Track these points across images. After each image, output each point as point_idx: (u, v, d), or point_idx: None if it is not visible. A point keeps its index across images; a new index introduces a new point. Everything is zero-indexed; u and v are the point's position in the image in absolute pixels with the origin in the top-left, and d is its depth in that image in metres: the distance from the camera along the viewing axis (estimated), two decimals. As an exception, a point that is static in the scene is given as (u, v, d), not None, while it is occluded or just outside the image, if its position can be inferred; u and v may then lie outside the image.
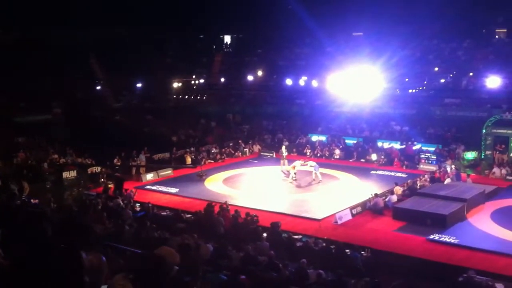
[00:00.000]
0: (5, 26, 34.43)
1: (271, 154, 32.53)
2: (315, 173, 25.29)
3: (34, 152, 27.83)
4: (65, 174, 24.70)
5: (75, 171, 25.18)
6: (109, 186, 22.94)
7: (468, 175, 24.92)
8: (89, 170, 26.09)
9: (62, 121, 31.58)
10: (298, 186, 24.92)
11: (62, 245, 2.56)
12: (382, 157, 29.63)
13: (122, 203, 19.66)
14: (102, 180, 25.06)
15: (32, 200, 18.13)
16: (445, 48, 39.77)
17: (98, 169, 26.18)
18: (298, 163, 25.60)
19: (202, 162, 29.04)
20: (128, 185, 23.58)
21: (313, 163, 25.74)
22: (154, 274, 2.94)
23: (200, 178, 26.37)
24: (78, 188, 22.45)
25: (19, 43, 33.75)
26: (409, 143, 30.84)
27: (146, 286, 2.92)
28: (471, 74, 35.63)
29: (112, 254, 9.57)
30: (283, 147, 28.87)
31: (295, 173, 25.44)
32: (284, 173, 26.61)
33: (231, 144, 34.37)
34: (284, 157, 27.95)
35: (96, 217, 16.45)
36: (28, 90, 31.19)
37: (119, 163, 27.61)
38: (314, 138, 34.50)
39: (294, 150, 32.20)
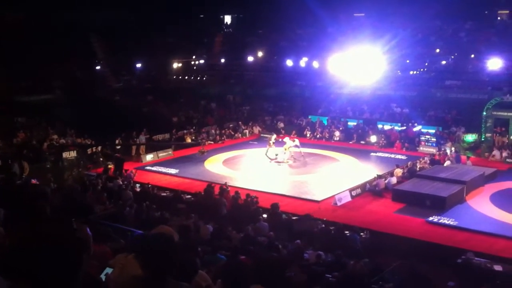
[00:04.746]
0: (10, 7, 34.10)
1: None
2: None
3: (34, 132, 27.78)
4: (65, 155, 24.68)
5: (75, 152, 25.16)
6: (109, 166, 22.95)
7: (468, 158, 24.92)
8: (89, 151, 26.08)
9: (63, 102, 31.43)
10: (297, 167, 24.94)
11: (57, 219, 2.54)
12: (382, 139, 29.59)
13: (122, 184, 19.71)
14: (100, 159, 25.05)
15: (32, 180, 18.19)
16: (447, 29, 39.46)
17: (98, 149, 26.17)
18: (288, 144, 25.64)
19: (203, 144, 28.90)
20: (128, 166, 23.60)
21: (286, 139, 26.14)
22: (164, 254, 2.91)
23: (201, 154, 26.25)
24: (78, 168, 22.44)
25: (22, 23, 33.43)
26: (410, 125, 30.80)
27: (156, 266, 2.89)
28: (472, 56, 35.42)
29: (114, 234, 9.61)
30: (273, 137, 27.19)
31: (290, 153, 25.62)
32: (270, 159, 25.97)
33: (231, 125, 34.27)
34: (271, 144, 26.52)
35: (96, 198, 16.53)
36: (28, 70, 31.00)
37: (119, 143, 27.57)
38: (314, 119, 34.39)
39: (294, 132, 32.06)
